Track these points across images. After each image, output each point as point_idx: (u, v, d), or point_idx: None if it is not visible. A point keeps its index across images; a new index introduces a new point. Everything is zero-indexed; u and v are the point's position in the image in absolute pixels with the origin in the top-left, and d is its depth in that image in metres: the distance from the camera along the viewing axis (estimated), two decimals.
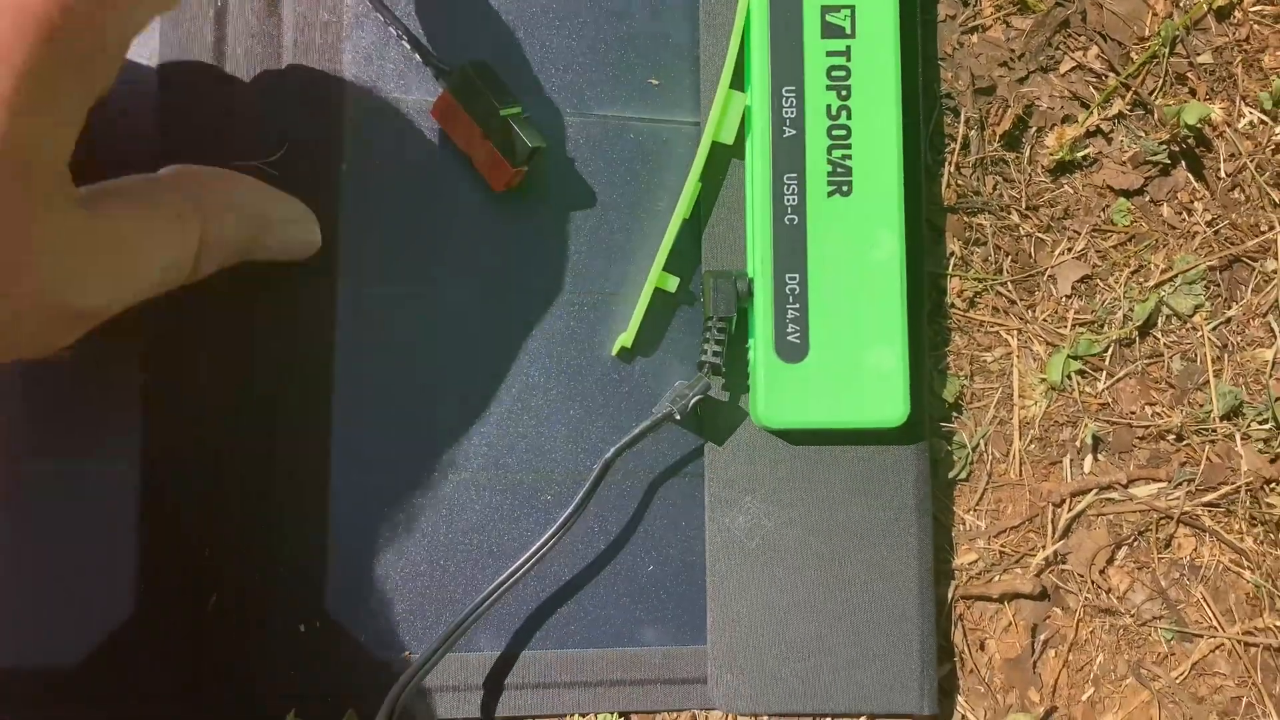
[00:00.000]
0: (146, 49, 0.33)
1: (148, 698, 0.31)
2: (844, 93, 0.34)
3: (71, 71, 0.22)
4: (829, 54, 0.34)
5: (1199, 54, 0.40)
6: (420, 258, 0.34)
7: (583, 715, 0.34)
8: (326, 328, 0.33)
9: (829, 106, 0.34)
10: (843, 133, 0.34)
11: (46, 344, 0.25)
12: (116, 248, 0.25)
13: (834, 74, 0.34)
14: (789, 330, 0.33)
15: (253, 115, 0.33)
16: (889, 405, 0.33)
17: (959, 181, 0.38)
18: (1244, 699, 0.38)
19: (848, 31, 0.34)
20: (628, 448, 0.32)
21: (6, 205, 0.21)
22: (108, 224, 0.24)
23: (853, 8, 0.34)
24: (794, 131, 0.33)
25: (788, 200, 0.33)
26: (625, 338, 0.34)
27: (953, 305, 0.38)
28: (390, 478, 0.33)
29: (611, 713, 0.34)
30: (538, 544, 0.32)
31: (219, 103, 0.33)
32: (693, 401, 0.32)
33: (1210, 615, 0.38)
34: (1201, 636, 0.38)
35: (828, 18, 0.34)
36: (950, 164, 0.38)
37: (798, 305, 0.33)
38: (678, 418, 0.32)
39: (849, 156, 0.33)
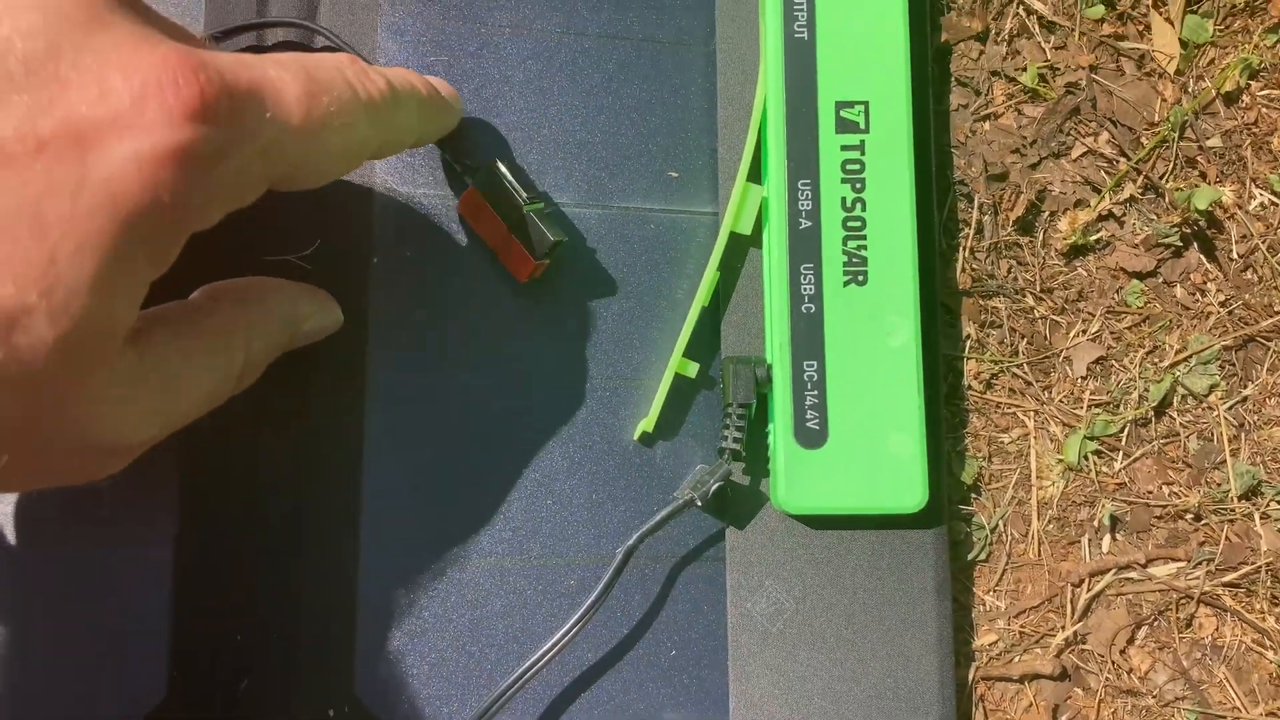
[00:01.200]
0: None
1: None
2: (858, 185, 0.35)
3: (151, 255, 0.22)
4: (843, 148, 0.35)
5: (1208, 138, 0.41)
6: (447, 347, 0.35)
7: None
8: (356, 417, 0.34)
9: (844, 199, 0.35)
10: (858, 224, 0.34)
11: (90, 476, 0.25)
12: (165, 384, 0.25)
13: (848, 168, 0.35)
14: (808, 417, 0.34)
15: (285, 210, 0.34)
16: (908, 491, 0.33)
17: (974, 265, 0.39)
18: None
19: (862, 126, 0.35)
20: (650, 534, 0.33)
21: (64, 367, 0.21)
22: (155, 361, 0.24)
23: (866, 103, 0.35)
24: (810, 223, 0.34)
25: (804, 289, 0.34)
26: (646, 422, 0.35)
27: (969, 387, 0.39)
28: (417, 563, 0.34)
29: None
30: (561, 631, 0.32)
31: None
32: (714, 487, 0.33)
33: (1233, 696, 0.38)
34: (1225, 718, 0.38)
35: (842, 113, 0.35)
36: (965, 248, 0.39)
37: (816, 392, 0.34)
38: (699, 504, 0.33)
39: (864, 247, 0.34)
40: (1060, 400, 0.39)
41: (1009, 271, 0.39)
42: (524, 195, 0.33)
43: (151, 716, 0.32)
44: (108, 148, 0.20)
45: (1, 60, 0.20)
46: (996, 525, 0.38)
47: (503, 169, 0.33)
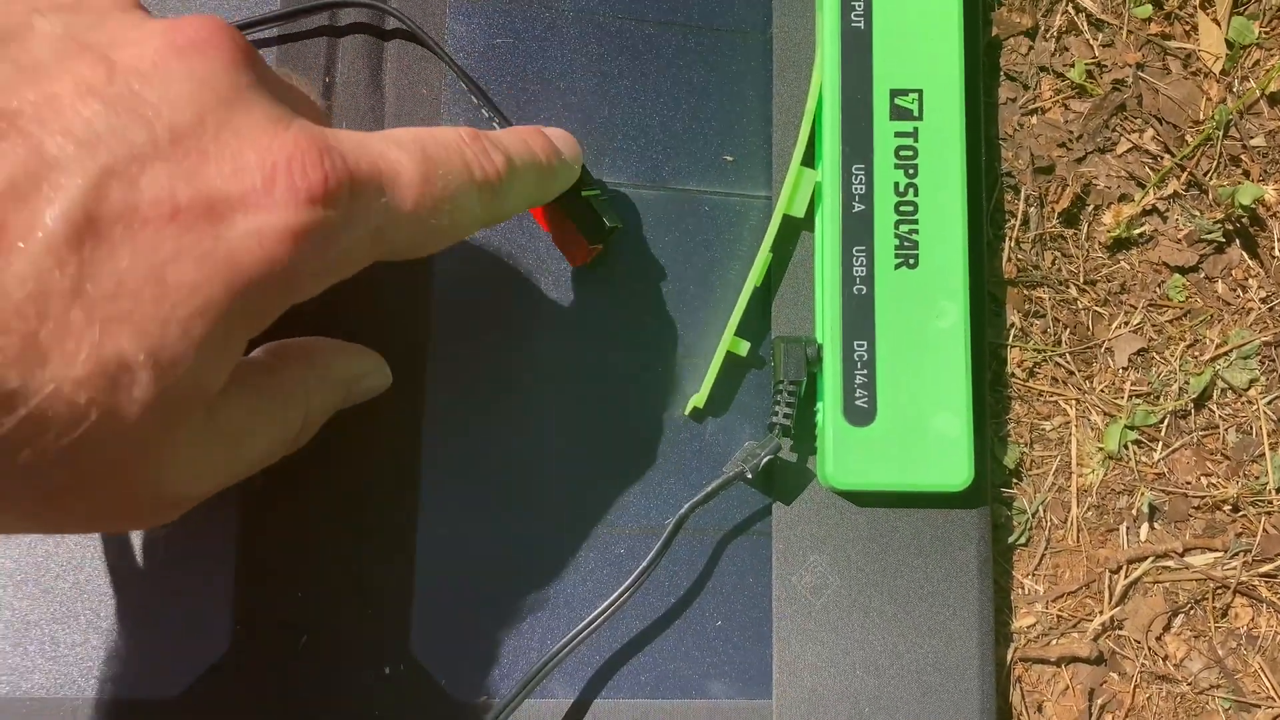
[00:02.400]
0: None
1: None
2: (911, 171, 0.35)
3: (254, 323, 0.23)
4: (897, 134, 0.36)
5: (1252, 137, 0.42)
6: (505, 323, 0.36)
7: None
8: (416, 386, 0.35)
9: (897, 184, 0.35)
10: (909, 209, 0.35)
11: (146, 525, 0.25)
12: (232, 440, 0.25)
13: (902, 153, 0.35)
14: (857, 395, 0.34)
15: None
16: (954, 469, 0.34)
17: (1019, 256, 0.40)
18: None
19: (915, 114, 0.36)
20: (700, 505, 0.34)
21: (155, 424, 0.21)
22: (225, 418, 0.25)
23: (920, 91, 0.36)
24: (863, 207, 0.35)
25: (856, 271, 0.35)
26: (698, 399, 0.36)
27: (1013, 375, 0.39)
28: (472, 528, 0.35)
29: None
30: (613, 596, 0.33)
31: None
32: (764, 461, 0.34)
33: (1268, 685, 0.39)
34: (1260, 707, 0.39)
35: (896, 101, 0.36)
36: (1010, 239, 0.40)
37: (865, 371, 0.35)
38: (749, 476, 0.34)
39: (916, 231, 0.35)
40: (1101, 390, 0.40)
41: (1053, 263, 0.40)
42: (582, 183, 0.34)
43: (215, 667, 0.33)
44: (234, 222, 0.21)
45: (150, 127, 0.21)
46: (1037, 510, 0.39)
47: None
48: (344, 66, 0.36)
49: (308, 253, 0.22)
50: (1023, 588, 0.38)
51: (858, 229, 0.35)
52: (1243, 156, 0.41)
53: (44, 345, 0.19)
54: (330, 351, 0.31)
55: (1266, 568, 0.39)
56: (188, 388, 0.21)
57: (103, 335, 0.20)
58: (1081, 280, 0.40)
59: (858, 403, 0.34)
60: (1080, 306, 0.40)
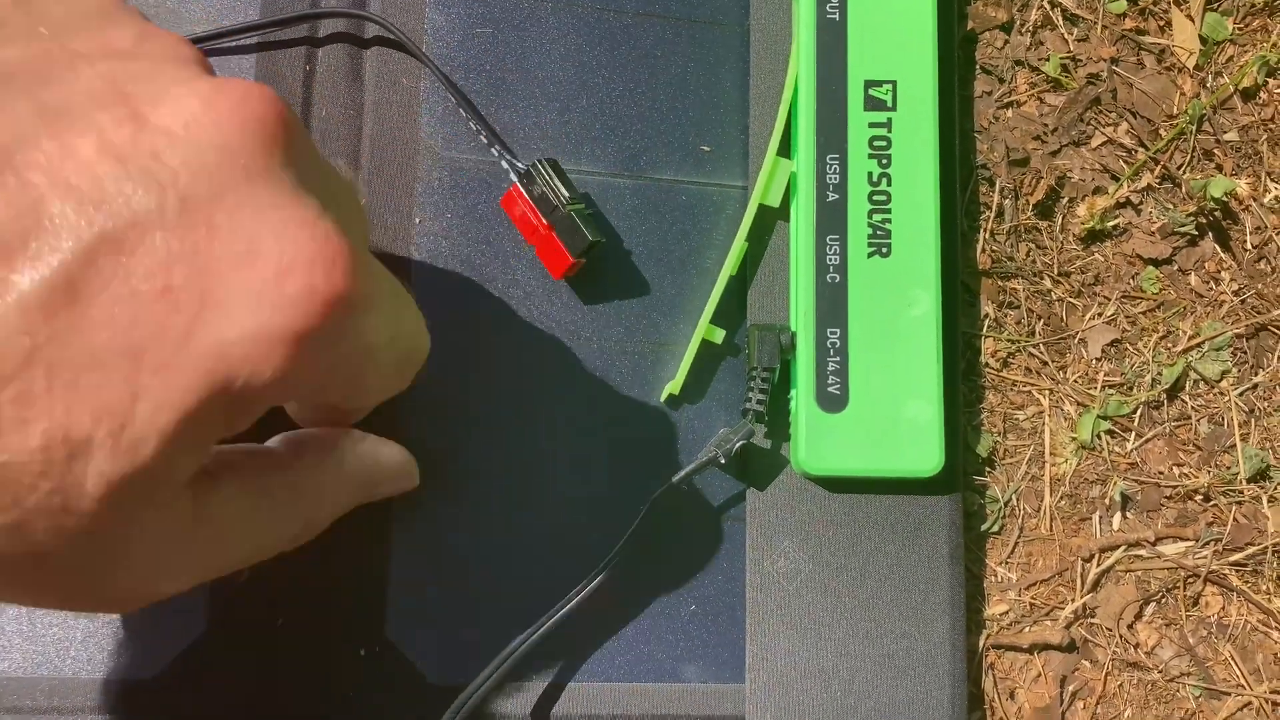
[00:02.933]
0: None
1: (216, 709, 0.33)
2: (884, 161, 0.36)
3: (230, 421, 0.21)
4: (871, 125, 0.36)
5: (1225, 132, 0.42)
6: (483, 309, 0.36)
7: None
8: None
9: (870, 174, 0.36)
10: (883, 198, 0.36)
11: (118, 610, 0.24)
12: (213, 538, 0.23)
13: (875, 144, 0.36)
14: (830, 382, 0.35)
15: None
16: (925, 455, 0.35)
17: (993, 247, 0.40)
18: None
19: (889, 105, 0.36)
20: (673, 488, 0.34)
21: (110, 508, 0.19)
22: (211, 513, 0.23)
23: (894, 83, 0.36)
24: (837, 196, 0.36)
25: (830, 260, 0.35)
26: (673, 385, 0.36)
27: (987, 365, 0.40)
28: (447, 511, 0.35)
29: None
30: (586, 579, 0.33)
31: None
32: (736, 446, 0.34)
33: (1238, 674, 0.39)
34: (1230, 694, 0.39)
35: (870, 92, 0.36)
36: (985, 230, 0.40)
37: (838, 358, 0.35)
38: (722, 461, 0.34)
39: (889, 220, 0.36)
40: (1075, 380, 0.40)
41: (1028, 254, 0.41)
42: (565, 195, 0.35)
43: (192, 648, 0.33)
44: (231, 312, 0.19)
45: (161, 193, 0.19)
46: (1010, 499, 0.39)
47: (545, 169, 0.35)
48: (325, 56, 0.36)
49: (303, 360, 0.20)
50: (995, 575, 0.39)
51: (832, 218, 0.36)
52: (1215, 150, 0.42)
53: (2, 412, 0.18)
54: (357, 448, 0.29)
55: (1237, 557, 0.39)
56: (150, 474, 0.20)
57: (64, 408, 0.18)
58: (1055, 272, 0.41)
59: (830, 389, 0.35)
60: (1054, 298, 0.41)
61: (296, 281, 0.20)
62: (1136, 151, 0.42)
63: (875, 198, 0.36)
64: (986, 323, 0.40)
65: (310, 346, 0.20)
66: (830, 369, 0.35)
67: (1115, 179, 0.41)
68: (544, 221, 0.35)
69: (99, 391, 0.19)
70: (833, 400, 0.35)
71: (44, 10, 0.21)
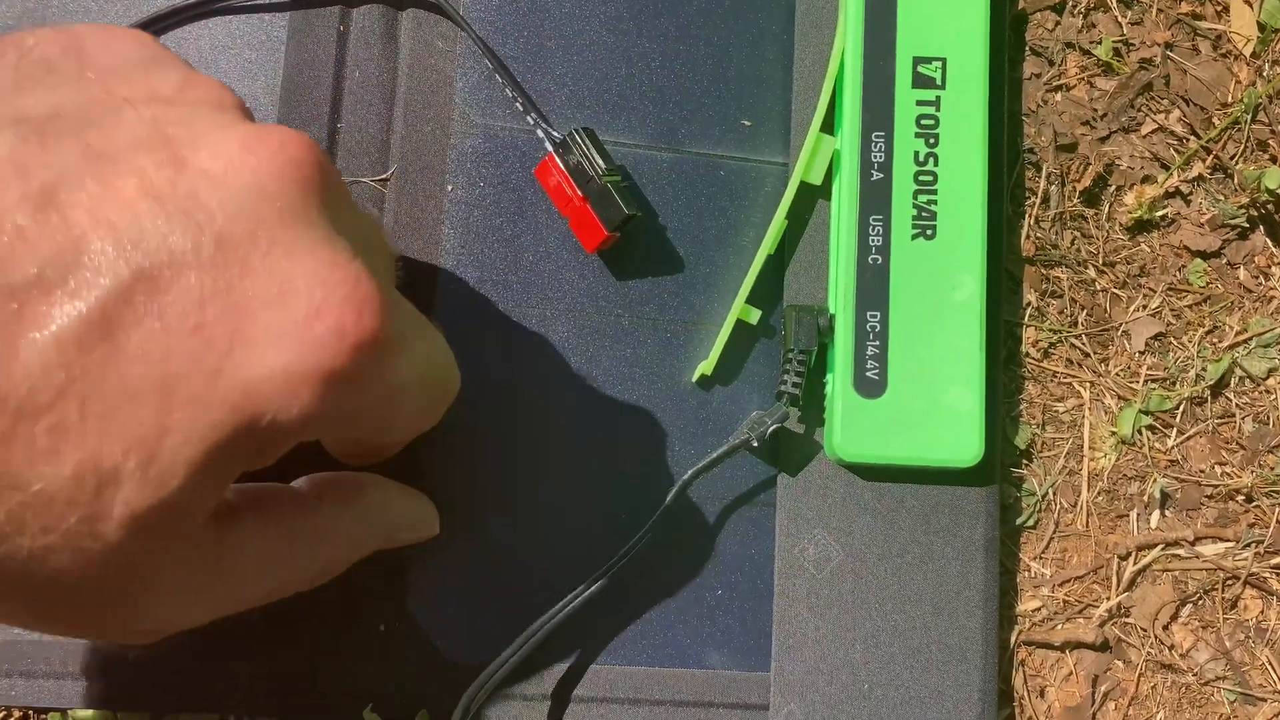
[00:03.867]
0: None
1: (234, 681, 0.32)
2: (932, 140, 0.35)
3: (254, 457, 0.21)
4: (919, 103, 0.35)
5: None
6: (515, 282, 0.35)
7: None
8: None
9: (917, 153, 0.35)
10: (929, 179, 0.35)
11: (133, 641, 0.24)
12: (232, 574, 0.24)
13: (923, 122, 0.35)
14: (868, 366, 0.34)
15: (364, 133, 0.35)
16: (964, 445, 0.34)
17: (1038, 234, 0.39)
18: None
19: (938, 83, 0.35)
20: (704, 471, 0.33)
21: (135, 538, 0.20)
22: (230, 549, 0.23)
23: (944, 60, 0.35)
24: (881, 175, 0.35)
25: (872, 241, 0.34)
26: (705, 366, 0.35)
27: (1027, 355, 0.39)
28: (471, 487, 0.34)
29: None
30: (611, 560, 0.33)
31: (333, 121, 0.35)
32: (770, 429, 0.33)
33: (1275, 679, 0.38)
34: (1266, 700, 0.38)
35: (919, 69, 0.35)
36: (1030, 217, 0.39)
37: (878, 342, 0.34)
38: (755, 444, 0.33)
39: (934, 201, 0.35)
40: (1117, 373, 0.39)
41: (1073, 242, 0.39)
42: (602, 166, 0.34)
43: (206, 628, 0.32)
44: (261, 350, 0.20)
45: (198, 233, 0.20)
46: (1046, 493, 0.38)
47: (581, 139, 0.34)
48: (359, 17, 0.35)
49: (329, 400, 0.21)
50: (1029, 570, 0.38)
51: (876, 198, 0.35)
52: (1270, 141, 0.41)
53: (36, 441, 0.19)
54: (381, 495, 0.29)
55: (1278, 560, 0.38)
56: (175, 506, 0.20)
57: (96, 439, 0.19)
58: (1100, 261, 0.40)
59: (868, 374, 0.34)
60: (1098, 288, 0.39)
61: (327, 323, 0.20)
62: (1188, 140, 0.40)
63: (921, 178, 0.35)
64: (1029, 311, 0.39)
65: (339, 387, 0.21)
66: (869, 353, 0.34)
67: (1165, 168, 0.40)
68: (579, 193, 0.34)
69: (130, 424, 0.19)
70: (870, 385, 0.34)
71: (94, 57, 0.23)
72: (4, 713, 0.32)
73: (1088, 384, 0.39)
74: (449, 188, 0.35)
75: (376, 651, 0.33)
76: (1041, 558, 0.38)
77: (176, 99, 0.22)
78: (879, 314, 0.34)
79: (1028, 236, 0.39)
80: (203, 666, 0.32)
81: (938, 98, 0.35)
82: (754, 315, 0.36)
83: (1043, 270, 0.39)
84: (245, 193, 0.20)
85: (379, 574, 0.33)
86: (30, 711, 0.32)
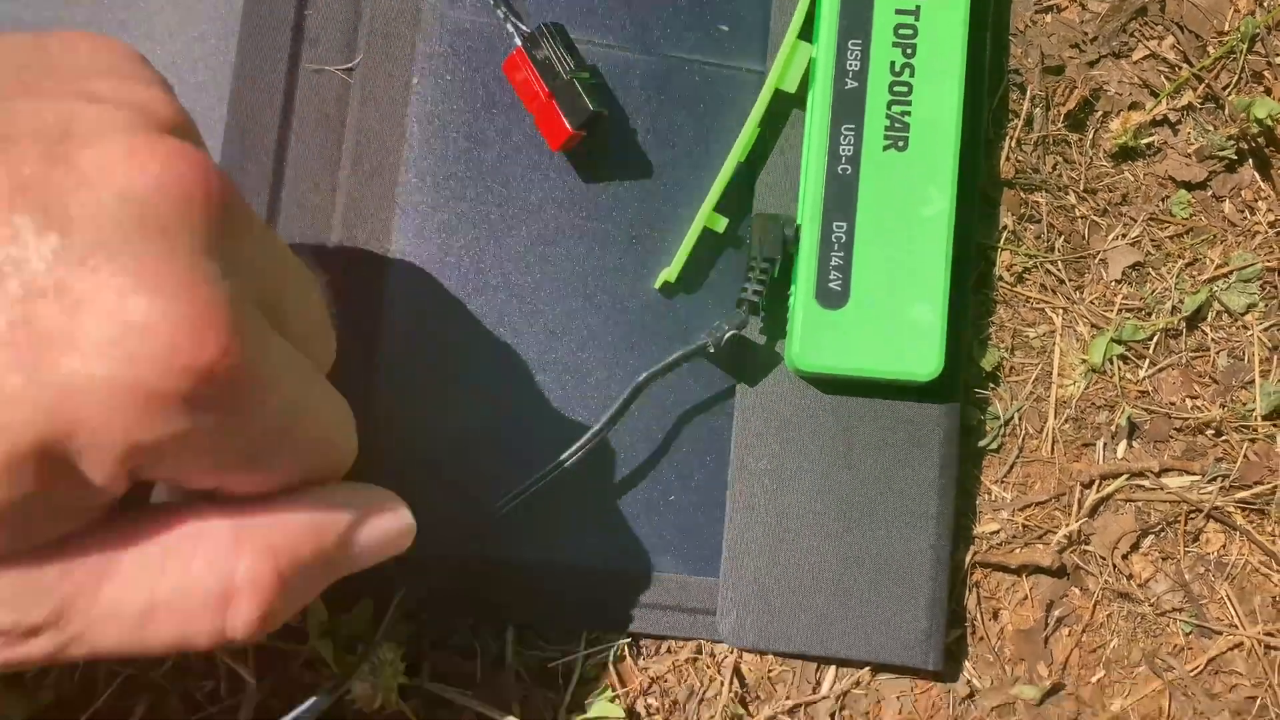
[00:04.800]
0: None
1: None
2: (909, 50, 0.34)
3: (71, 478, 0.20)
4: (898, 11, 0.34)
5: (1278, 54, 0.40)
6: (477, 181, 0.35)
7: (590, 631, 0.34)
8: (381, 246, 0.34)
9: (893, 63, 0.34)
10: (904, 89, 0.34)
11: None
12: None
13: (901, 32, 0.34)
14: (831, 277, 0.33)
15: (331, 20, 0.34)
16: (924, 358, 0.33)
17: (1019, 157, 0.38)
18: (1259, 700, 0.37)
19: None
20: (660, 375, 0.33)
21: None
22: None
23: None
24: (856, 84, 0.34)
25: (843, 150, 0.34)
26: (669, 272, 0.35)
27: (1000, 278, 0.38)
28: (432, 387, 0.34)
29: (620, 632, 0.34)
30: (563, 455, 0.33)
31: (300, 7, 0.34)
32: (728, 335, 0.33)
33: (1232, 613, 0.38)
34: (1221, 633, 0.38)
35: None
36: (1011, 139, 0.38)
37: (842, 253, 0.34)
38: (711, 350, 0.33)
39: (908, 113, 0.34)
40: (1091, 301, 0.39)
41: (1054, 167, 0.39)
42: (570, 63, 0.33)
43: None
44: (85, 355, 0.19)
45: (46, 225, 0.19)
46: (1012, 418, 0.38)
47: (550, 33, 0.33)
48: None
49: (160, 426, 0.19)
50: (989, 494, 0.38)
51: (848, 106, 0.34)
52: (1265, 73, 0.40)
53: None
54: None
55: (1243, 495, 0.38)
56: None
57: None
58: (1081, 187, 0.39)
59: (831, 285, 0.34)
60: (1078, 214, 0.39)
61: (159, 339, 0.19)
62: (1180, 68, 0.39)
63: (896, 88, 0.34)
64: (1004, 235, 0.38)
65: (166, 411, 0.19)
66: (833, 264, 0.34)
67: (1154, 95, 0.39)
68: (545, 89, 0.33)
69: None
70: (833, 296, 0.34)
71: (54, 57, 0.22)
72: None
73: (1060, 310, 0.38)
74: (414, 80, 0.34)
75: None
76: (1003, 482, 0.38)
77: (105, 99, 0.21)
78: (845, 224, 0.34)
79: (1008, 159, 0.38)
80: None
81: (918, 7, 0.34)
82: (721, 224, 0.35)
83: (1021, 194, 0.38)
84: (113, 198, 0.19)
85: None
86: None
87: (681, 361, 0.33)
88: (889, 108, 0.34)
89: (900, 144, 0.34)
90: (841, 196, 0.34)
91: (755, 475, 0.35)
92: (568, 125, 0.33)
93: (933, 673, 0.36)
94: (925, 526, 0.35)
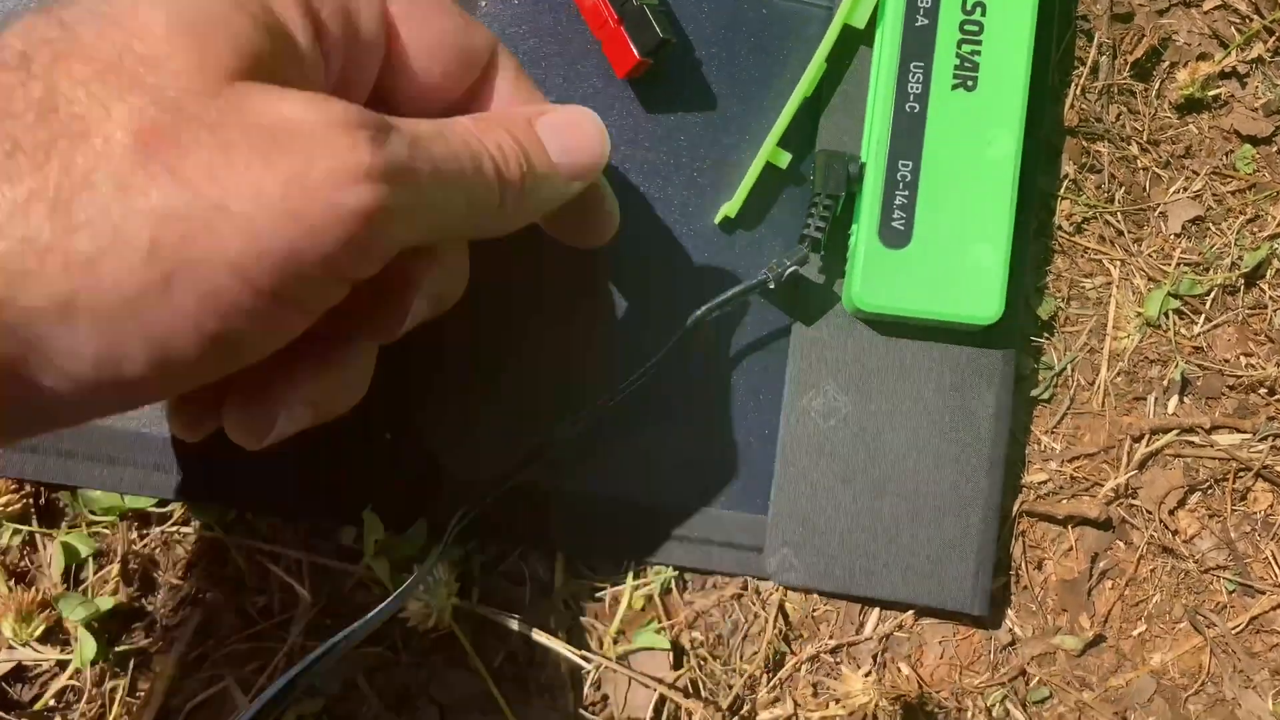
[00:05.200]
0: None
1: (246, 482, 0.33)
2: None
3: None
4: None
5: None
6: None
7: (637, 563, 0.34)
8: None
9: (964, 2, 0.34)
10: (975, 29, 0.34)
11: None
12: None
13: None
14: (895, 216, 0.33)
15: None
16: (984, 302, 0.33)
17: (1083, 105, 0.38)
18: None
19: None
20: (718, 309, 0.33)
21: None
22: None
23: None
24: (926, 21, 0.34)
25: (911, 88, 0.33)
26: (730, 207, 0.35)
27: (1059, 227, 0.38)
28: (492, 316, 0.34)
29: (667, 565, 0.34)
30: (615, 391, 0.33)
31: None
32: (789, 271, 0.33)
33: (1277, 573, 0.38)
34: (1265, 593, 0.38)
35: None
36: (1076, 86, 0.38)
37: (907, 193, 0.33)
38: (771, 285, 0.33)
39: (978, 52, 0.33)
40: (1149, 254, 0.38)
41: (1118, 117, 0.38)
42: None
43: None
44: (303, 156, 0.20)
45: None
46: (1065, 369, 0.38)
47: None
48: None
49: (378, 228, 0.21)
50: (1039, 443, 0.37)
51: (918, 44, 0.34)
52: None
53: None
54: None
55: None
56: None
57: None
58: (1145, 139, 0.38)
59: (894, 224, 0.33)
60: (1140, 166, 0.38)
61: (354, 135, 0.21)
62: (1251, 19, 0.39)
63: (967, 27, 0.34)
64: (1065, 184, 0.38)
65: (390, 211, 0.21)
66: (897, 203, 0.33)
67: (1224, 46, 0.39)
68: (614, 14, 0.33)
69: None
70: (895, 235, 0.33)
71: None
72: (16, 486, 0.32)
73: (1118, 262, 0.38)
74: (483, 3, 0.34)
75: (381, 458, 0.33)
76: (1053, 432, 0.38)
77: None
78: (911, 163, 0.33)
79: (1071, 106, 0.38)
80: (215, 459, 0.33)
81: None
82: (784, 159, 0.35)
83: (1084, 143, 0.38)
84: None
85: (385, 388, 0.33)
86: (41, 488, 0.33)
87: (741, 296, 0.33)
88: (959, 47, 0.34)
89: (969, 84, 0.33)
90: (908, 135, 0.33)
91: (808, 415, 0.35)
92: (635, 52, 0.33)
93: (976, 619, 0.36)
94: (977, 472, 0.35)
